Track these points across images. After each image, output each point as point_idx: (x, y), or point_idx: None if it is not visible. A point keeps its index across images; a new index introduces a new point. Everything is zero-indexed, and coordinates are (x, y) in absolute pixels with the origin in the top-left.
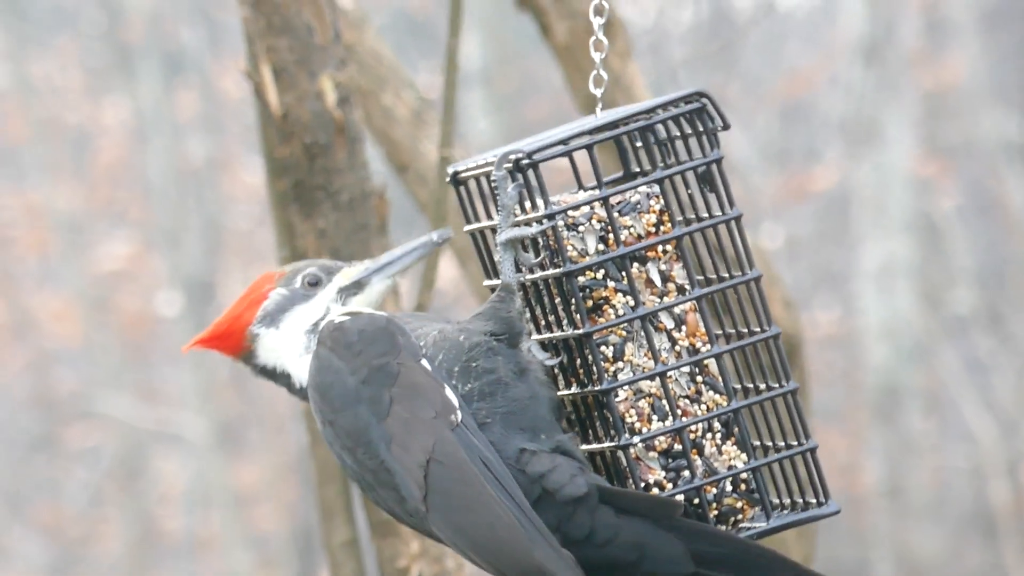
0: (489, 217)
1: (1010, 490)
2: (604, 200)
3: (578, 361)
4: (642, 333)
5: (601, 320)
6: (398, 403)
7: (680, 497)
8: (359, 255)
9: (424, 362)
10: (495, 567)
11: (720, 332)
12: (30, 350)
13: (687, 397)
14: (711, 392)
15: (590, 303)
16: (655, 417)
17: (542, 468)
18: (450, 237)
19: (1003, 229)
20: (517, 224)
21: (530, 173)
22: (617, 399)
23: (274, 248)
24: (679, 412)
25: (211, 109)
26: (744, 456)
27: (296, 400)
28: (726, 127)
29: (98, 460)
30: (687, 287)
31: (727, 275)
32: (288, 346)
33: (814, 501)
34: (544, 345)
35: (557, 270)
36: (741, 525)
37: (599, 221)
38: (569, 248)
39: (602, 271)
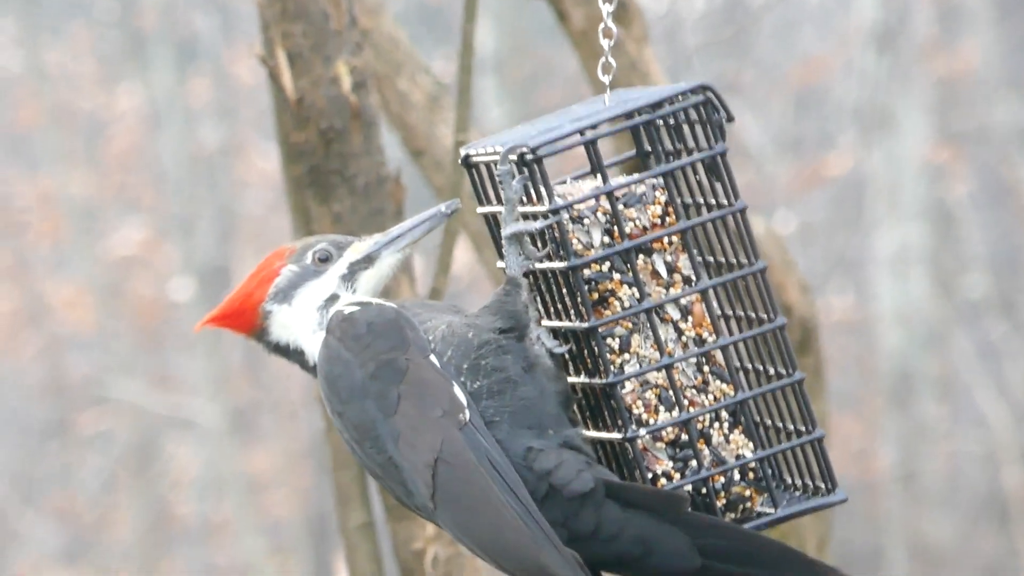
0: (501, 200)
1: (1023, 476)
2: (609, 193)
3: (585, 352)
4: (648, 325)
5: (607, 312)
6: (406, 400)
7: (688, 487)
8: None
9: (433, 358)
10: (501, 566)
11: (729, 314)
12: (43, 336)
13: (694, 387)
14: (718, 382)
15: (596, 295)
16: (662, 408)
17: (549, 465)
18: (459, 208)
19: (1016, 215)
20: (522, 218)
21: (535, 166)
22: (624, 390)
23: (288, 233)
24: (686, 403)
25: (224, 96)
26: (752, 445)
27: (309, 386)
28: (731, 119)
29: (111, 446)
30: (693, 278)
31: (735, 261)
32: (301, 322)
33: (822, 487)
34: (553, 332)
35: (562, 263)
36: (751, 513)
37: (604, 214)
38: (574, 241)
39: (608, 263)
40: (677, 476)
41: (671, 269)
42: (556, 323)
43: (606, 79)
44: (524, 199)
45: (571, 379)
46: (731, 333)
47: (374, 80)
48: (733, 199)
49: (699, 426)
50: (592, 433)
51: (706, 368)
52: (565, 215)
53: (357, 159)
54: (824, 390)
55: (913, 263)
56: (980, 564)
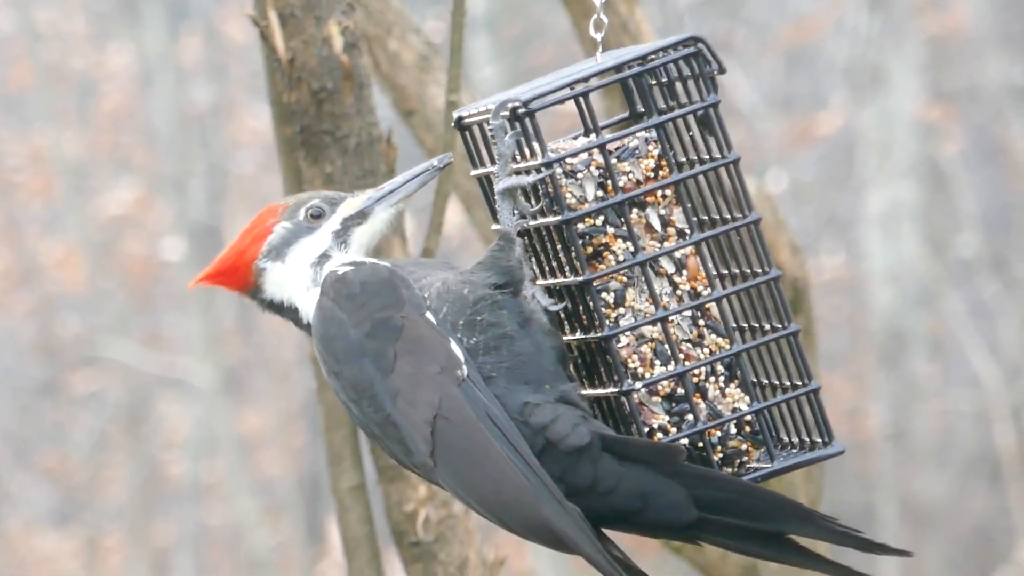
0: (494, 162)
1: (1014, 434)
2: (602, 147)
3: (580, 307)
4: (643, 278)
5: (601, 267)
6: (403, 358)
7: (684, 441)
8: None
9: (428, 315)
10: (502, 522)
11: (724, 272)
12: (35, 296)
13: (689, 341)
14: (713, 335)
15: (590, 250)
16: (658, 362)
17: (545, 419)
18: (451, 162)
19: (1008, 174)
20: (515, 172)
21: (527, 121)
22: (619, 345)
23: (280, 193)
24: (681, 356)
25: (215, 55)
26: (748, 398)
27: (302, 345)
28: (722, 71)
29: (103, 406)
30: (687, 231)
31: (728, 216)
32: (295, 280)
33: (819, 441)
34: (548, 291)
35: (556, 218)
36: (747, 467)
37: (597, 167)
38: (568, 195)
39: (601, 217)
40: (673, 430)
41: (665, 223)
42: (551, 281)
43: (598, 36)
44: (517, 155)
45: (566, 337)
46: (729, 283)
47: (365, 40)
48: (726, 151)
49: (695, 380)
50: (588, 390)
51: (701, 322)
52: (558, 169)
53: (349, 120)
54: (815, 350)
55: (904, 221)
56: (971, 522)
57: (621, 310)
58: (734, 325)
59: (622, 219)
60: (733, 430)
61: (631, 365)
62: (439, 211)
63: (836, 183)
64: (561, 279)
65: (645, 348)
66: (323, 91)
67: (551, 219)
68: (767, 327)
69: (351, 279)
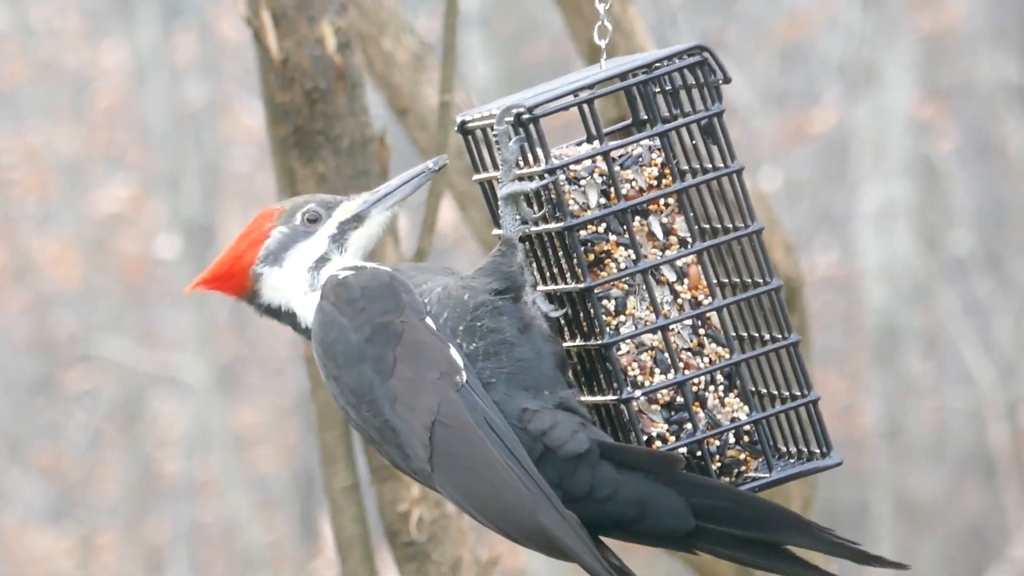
0: (497, 167)
1: (1009, 432)
2: (606, 154)
3: (581, 314)
4: (644, 287)
5: (603, 274)
6: (402, 363)
7: (683, 449)
8: None
9: (428, 320)
10: (500, 528)
11: (724, 281)
12: (29, 293)
13: (689, 350)
14: (713, 344)
15: (592, 257)
16: (657, 370)
17: (544, 426)
18: (446, 164)
19: (1002, 171)
20: (518, 179)
21: (531, 127)
22: (619, 352)
23: (274, 192)
24: (681, 365)
25: (209, 52)
26: (747, 408)
27: (296, 343)
28: (727, 80)
29: (97, 403)
30: (689, 240)
31: (730, 225)
32: (292, 284)
33: (817, 451)
34: (549, 297)
35: (559, 224)
36: (745, 476)
37: (601, 175)
38: (571, 202)
39: (604, 225)
40: (672, 439)
41: (667, 231)
42: (552, 287)
43: (603, 43)
44: (520, 161)
45: (566, 343)
46: (730, 292)
47: (358, 40)
48: (730, 160)
49: (694, 389)
50: (587, 397)
51: (701, 331)
52: (561, 176)
53: (342, 119)
54: (809, 349)
55: (898, 219)
56: (966, 520)
57: (622, 318)
58: (734, 334)
59: (624, 227)
60: (732, 440)
61: (631, 373)
62: (432, 211)
63: (830, 180)
64: (562, 285)
65: (645, 356)
66: (316, 91)
67: (553, 225)
68: (767, 337)
69: (352, 283)
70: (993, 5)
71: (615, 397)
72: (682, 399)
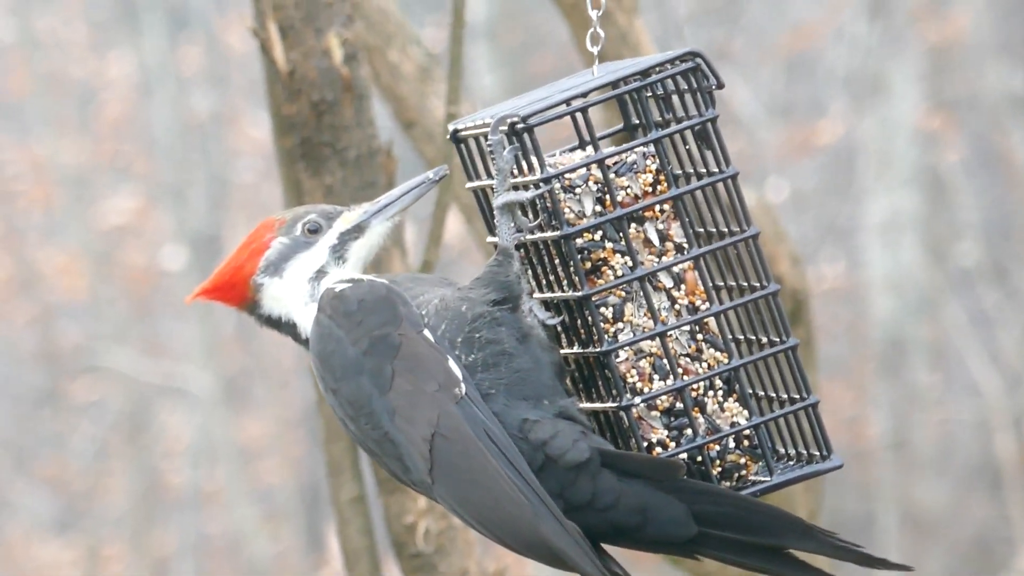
0: (490, 175)
1: (1015, 443)
2: (600, 161)
3: (579, 321)
4: (641, 293)
5: (600, 281)
6: (400, 375)
7: (683, 455)
8: None
9: (426, 332)
10: (501, 539)
11: (721, 285)
12: (35, 304)
13: (688, 355)
14: (712, 350)
15: (588, 264)
16: (656, 376)
17: (544, 435)
18: (447, 174)
19: (1008, 182)
20: (513, 188)
21: (526, 136)
22: (618, 359)
23: (280, 203)
24: (680, 371)
25: (215, 63)
26: (746, 413)
27: (301, 354)
28: (720, 86)
29: (103, 414)
30: (685, 246)
31: (726, 229)
32: (292, 295)
33: (817, 454)
34: (545, 304)
35: (555, 232)
36: (745, 481)
37: (596, 182)
38: (566, 210)
39: (600, 232)
40: (672, 445)
41: (663, 237)
42: (548, 295)
43: (594, 50)
44: (515, 170)
45: (564, 351)
46: (728, 296)
47: (365, 52)
48: (724, 166)
49: (693, 394)
50: (586, 404)
51: (699, 336)
52: (556, 184)
53: (348, 131)
54: (815, 361)
55: (905, 230)
56: (972, 531)
57: (620, 324)
58: (732, 338)
59: (621, 234)
60: (732, 444)
61: (630, 380)
62: (439, 223)
63: (836, 192)
64: (559, 293)
65: (644, 363)
66: (323, 103)
67: (550, 234)
68: (765, 341)
69: (349, 296)
70: (999, 16)
71: (615, 404)
72: (681, 405)
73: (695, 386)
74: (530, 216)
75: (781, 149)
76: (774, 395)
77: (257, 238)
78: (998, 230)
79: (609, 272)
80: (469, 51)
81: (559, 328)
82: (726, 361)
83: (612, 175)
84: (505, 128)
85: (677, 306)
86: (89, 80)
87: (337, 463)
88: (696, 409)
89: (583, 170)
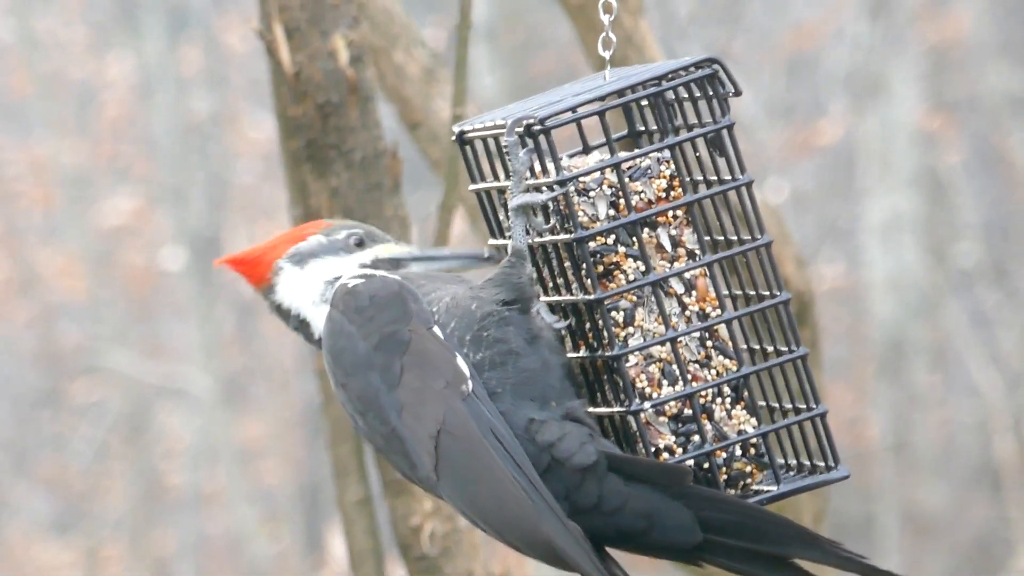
0: (495, 177)
1: (1016, 444)
2: (616, 166)
3: (587, 325)
4: (652, 298)
5: (612, 286)
6: (409, 372)
7: (690, 462)
8: (372, 214)
9: (436, 329)
10: (503, 538)
11: (731, 294)
12: (35, 305)
13: (697, 362)
14: (721, 357)
15: (600, 268)
16: (665, 382)
17: (551, 437)
18: (497, 259)
19: (1008, 183)
20: (528, 190)
21: (541, 138)
22: (627, 364)
23: (280, 204)
24: (689, 377)
25: (216, 64)
26: (754, 421)
27: (301, 355)
28: (738, 93)
29: (103, 415)
30: (697, 252)
31: (735, 238)
32: (306, 290)
33: (822, 465)
34: (552, 308)
35: (568, 236)
36: (752, 489)
37: (610, 186)
38: (580, 214)
39: (613, 236)
40: (679, 451)
41: (675, 243)
42: (556, 298)
43: (606, 54)
44: (529, 173)
45: (570, 355)
46: (737, 305)
47: (370, 53)
48: (740, 173)
49: (701, 401)
50: (591, 409)
51: (709, 343)
52: (571, 187)
53: (354, 133)
54: (820, 363)
55: (905, 231)
56: (972, 532)
57: (630, 329)
58: (743, 347)
59: (634, 238)
60: (738, 452)
61: (639, 385)
62: (445, 223)
63: (836, 192)
64: (567, 296)
65: (653, 368)
66: (328, 105)
67: (563, 237)
68: (771, 350)
69: (361, 292)
70: (1000, 17)
71: (623, 409)
72: (689, 411)
73: (703, 393)
74: (542, 219)
75: (781, 150)
76: (783, 404)
77: (302, 230)
78: (998, 231)
79: (621, 276)
80: (470, 52)
81: (564, 332)
82: (734, 368)
83: (627, 179)
84: (520, 129)
85: (687, 312)
86: (89, 81)
87: (343, 465)
88: (704, 416)
89: (597, 174)
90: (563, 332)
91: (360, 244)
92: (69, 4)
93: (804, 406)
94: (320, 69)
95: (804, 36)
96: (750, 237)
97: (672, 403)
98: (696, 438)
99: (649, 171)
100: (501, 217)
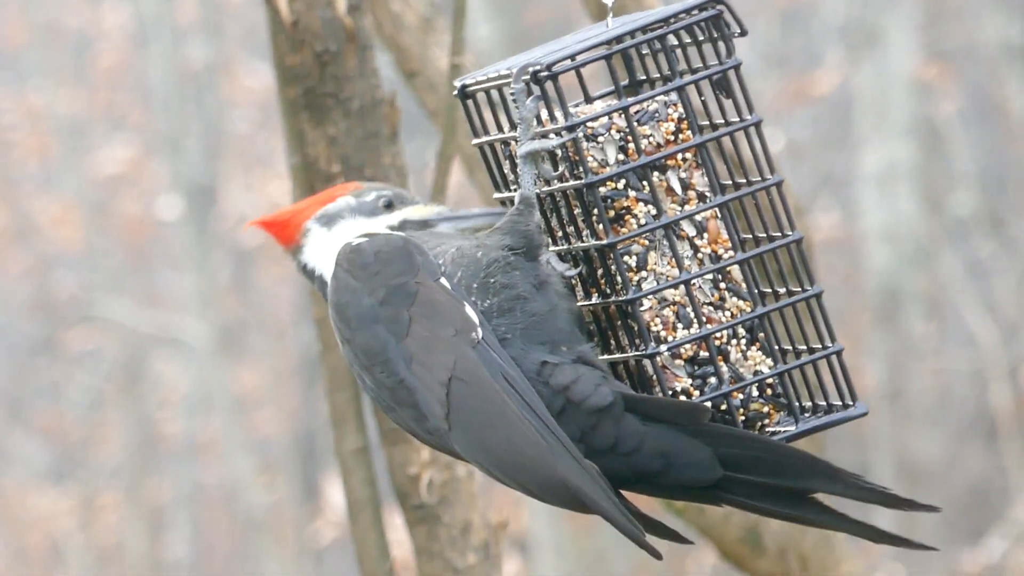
0: (499, 129)
1: (1011, 393)
2: (624, 110)
3: (599, 271)
4: (665, 242)
5: (623, 230)
6: (417, 322)
7: (708, 404)
8: (370, 162)
9: (443, 280)
10: (519, 483)
11: (745, 237)
12: (31, 254)
13: (711, 304)
14: (735, 298)
15: (612, 213)
16: (680, 325)
17: (565, 380)
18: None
19: (1004, 133)
20: (536, 137)
21: (548, 84)
22: (642, 308)
23: (277, 153)
24: (704, 319)
25: (212, 13)
26: (770, 361)
27: (297, 304)
28: (743, 33)
29: (99, 364)
30: (708, 194)
31: (744, 181)
32: (332, 251)
33: (839, 403)
34: (561, 256)
35: (578, 181)
36: (768, 430)
37: (618, 131)
38: (590, 159)
39: (623, 181)
40: (696, 393)
41: (685, 186)
42: (564, 246)
43: (609, 1)
44: (536, 120)
45: (582, 303)
46: (753, 246)
47: (368, 2)
48: (748, 113)
49: (717, 343)
50: (603, 356)
51: (722, 285)
52: (580, 132)
53: (352, 82)
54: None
55: (901, 181)
56: (967, 482)
57: (643, 273)
58: (758, 289)
59: (644, 182)
60: (755, 393)
61: (654, 328)
62: (443, 174)
63: (832, 142)
64: (580, 243)
65: (667, 311)
66: (326, 53)
67: (573, 183)
68: (783, 291)
69: (365, 249)
70: None
71: (639, 353)
72: (705, 353)
73: (718, 334)
74: (550, 166)
75: (777, 100)
76: (793, 346)
77: (332, 192)
78: (994, 180)
79: (632, 221)
80: (467, 1)
81: (576, 280)
82: (749, 310)
83: (635, 123)
84: (527, 77)
85: (700, 255)
86: (85, 29)
87: (340, 414)
88: (720, 357)
89: (605, 119)
90: (574, 280)
91: (389, 206)
92: None
93: (819, 345)
94: (318, 17)
95: None
96: (759, 178)
97: (688, 346)
98: (713, 380)
99: (657, 114)
100: (506, 170)
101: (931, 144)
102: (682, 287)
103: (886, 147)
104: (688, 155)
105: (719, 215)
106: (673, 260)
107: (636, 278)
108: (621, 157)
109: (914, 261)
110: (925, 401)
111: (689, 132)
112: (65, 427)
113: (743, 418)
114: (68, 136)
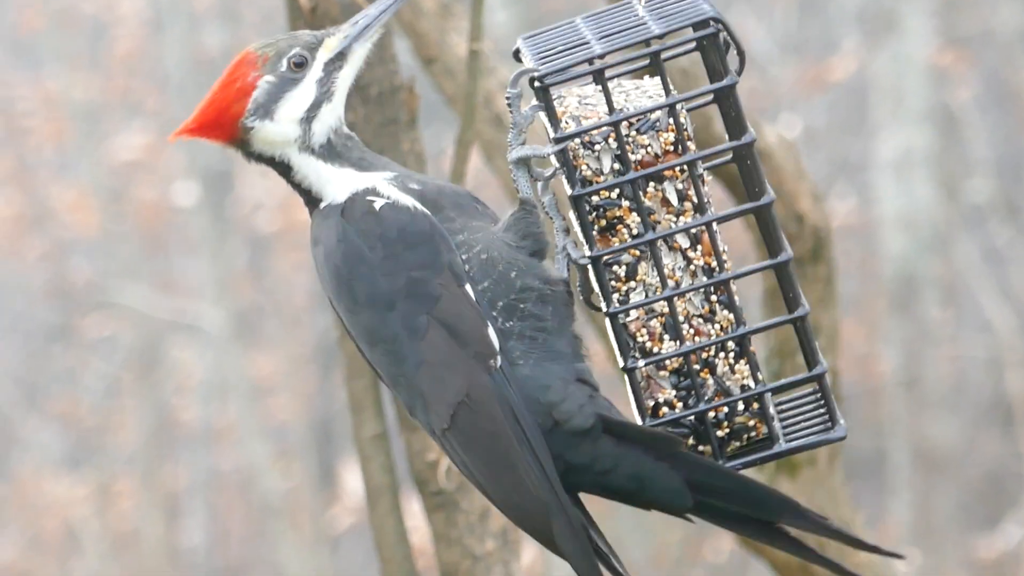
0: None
1: None
2: (615, 126)
3: (592, 278)
4: (656, 253)
5: (614, 240)
6: (435, 329)
7: (691, 417)
8: (388, 148)
9: (468, 288)
10: (506, 514)
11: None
12: (47, 240)
13: (700, 316)
14: (725, 311)
15: (603, 222)
16: (667, 336)
17: (555, 398)
18: None
19: (1021, 119)
20: (526, 142)
21: (550, 90)
22: (629, 319)
23: None
24: (692, 332)
25: None
26: (759, 375)
27: (314, 291)
28: (741, 53)
29: (115, 350)
30: (705, 206)
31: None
32: (285, 138)
33: (821, 424)
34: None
35: (572, 192)
36: (754, 443)
37: (615, 140)
38: (584, 167)
39: (616, 190)
40: (680, 405)
41: (682, 197)
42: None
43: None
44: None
45: None
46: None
47: None
48: (743, 134)
49: (704, 355)
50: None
51: (714, 297)
52: (576, 141)
53: (370, 68)
54: (835, 298)
55: (917, 167)
56: (983, 468)
57: (632, 283)
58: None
59: (638, 193)
60: (741, 407)
61: (640, 339)
62: (461, 159)
63: (848, 128)
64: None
65: (655, 322)
66: None
67: (569, 192)
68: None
69: (388, 219)
70: None
71: (621, 366)
72: (696, 365)
73: (706, 347)
74: (541, 168)
75: (794, 86)
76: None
77: (241, 75)
78: (1011, 167)
79: (624, 230)
80: None
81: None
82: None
83: (634, 132)
84: (518, 90)
85: (692, 267)
86: (101, 15)
87: (359, 400)
88: (706, 370)
89: (604, 127)
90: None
91: (302, 63)
92: None
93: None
94: (336, 3)
95: None
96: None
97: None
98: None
99: (657, 124)
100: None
101: (947, 130)
102: (664, 302)
103: (903, 133)
104: (687, 167)
105: (709, 231)
106: (661, 273)
107: (624, 288)
108: (616, 167)
109: (931, 247)
110: (941, 388)
111: (691, 143)
112: (81, 413)
113: (728, 430)
114: (84, 122)
